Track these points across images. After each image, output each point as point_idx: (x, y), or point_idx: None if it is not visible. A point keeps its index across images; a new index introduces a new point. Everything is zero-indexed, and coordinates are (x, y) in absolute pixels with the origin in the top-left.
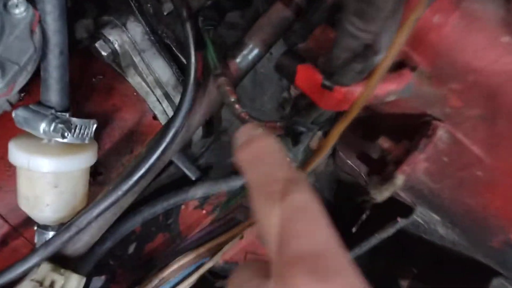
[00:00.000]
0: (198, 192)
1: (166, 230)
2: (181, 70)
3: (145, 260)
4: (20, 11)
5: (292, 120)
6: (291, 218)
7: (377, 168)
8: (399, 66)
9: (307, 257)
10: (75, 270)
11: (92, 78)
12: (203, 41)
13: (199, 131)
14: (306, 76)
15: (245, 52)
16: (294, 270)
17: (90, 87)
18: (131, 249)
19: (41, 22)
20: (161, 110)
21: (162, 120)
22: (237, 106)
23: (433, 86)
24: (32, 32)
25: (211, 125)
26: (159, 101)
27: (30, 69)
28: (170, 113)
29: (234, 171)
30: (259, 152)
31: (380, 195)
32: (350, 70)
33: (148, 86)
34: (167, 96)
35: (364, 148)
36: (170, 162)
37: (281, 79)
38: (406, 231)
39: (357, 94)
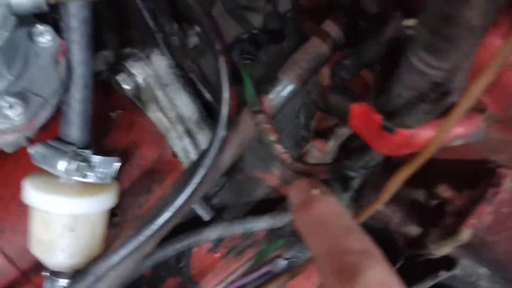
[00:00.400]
0: (212, 234)
1: (177, 274)
2: (204, 106)
3: None
4: (45, 40)
5: (342, 164)
6: None
7: (432, 218)
8: None
9: None
10: None
11: (111, 112)
12: (238, 76)
13: None
14: (361, 116)
15: (279, 88)
16: None
17: (108, 121)
18: None
19: (66, 52)
20: (181, 147)
21: (182, 158)
22: (278, 146)
23: (502, 131)
24: (57, 62)
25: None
26: (179, 138)
27: (54, 103)
28: (191, 150)
29: (249, 212)
30: (322, 217)
31: (440, 250)
32: (416, 111)
33: (170, 122)
34: (188, 132)
35: (411, 195)
36: None
37: (298, 117)
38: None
39: (420, 138)
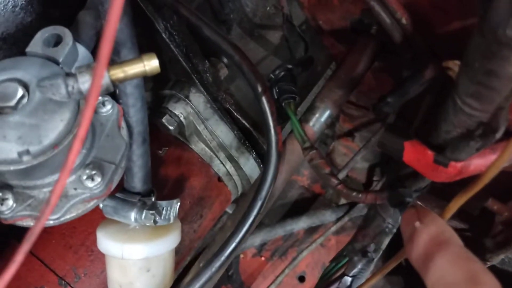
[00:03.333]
0: (256, 239)
1: (229, 282)
2: (241, 131)
3: None
4: (107, 109)
5: (398, 191)
6: None
7: (482, 228)
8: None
9: None
10: None
11: (158, 150)
12: (280, 112)
13: None
14: (415, 153)
15: (317, 115)
16: None
17: (157, 159)
18: None
19: (124, 115)
20: (225, 171)
21: (226, 180)
22: (333, 179)
23: None
24: (119, 127)
25: None
26: (222, 164)
27: (124, 164)
28: (234, 173)
29: (287, 213)
30: (426, 248)
31: (497, 259)
32: (467, 147)
33: (212, 151)
34: (230, 158)
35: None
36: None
37: None
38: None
39: (472, 167)
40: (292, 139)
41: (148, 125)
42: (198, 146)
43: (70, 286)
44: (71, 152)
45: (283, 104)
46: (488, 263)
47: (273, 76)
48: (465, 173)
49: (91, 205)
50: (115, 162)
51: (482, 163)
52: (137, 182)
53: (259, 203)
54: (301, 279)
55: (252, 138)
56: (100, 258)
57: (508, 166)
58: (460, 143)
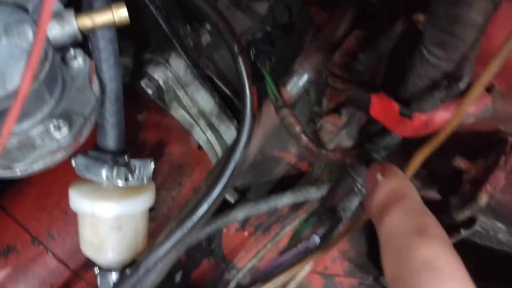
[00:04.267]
0: (239, 214)
1: (211, 255)
2: (222, 99)
3: (193, 287)
4: (78, 63)
5: (365, 148)
6: (416, 277)
7: (451, 187)
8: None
9: None
10: None
11: (137, 114)
12: (256, 74)
13: None
14: (381, 106)
15: (295, 79)
16: None
17: (136, 124)
18: (178, 277)
19: (97, 70)
20: (205, 139)
21: (207, 149)
22: (304, 136)
23: (509, 105)
24: (90, 82)
25: None
26: (203, 132)
27: (93, 119)
28: (214, 141)
29: (272, 190)
30: (383, 200)
31: (462, 215)
32: (431, 98)
33: (192, 118)
34: (210, 125)
35: (429, 166)
36: None
37: (308, 93)
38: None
39: (437, 119)
40: (268, 102)
41: (121, 82)
42: (178, 113)
43: (44, 245)
44: (23, 82)
45: (258, 65)
46: (455, 220)
47: (250, 38)
48: (431, 126)
49: (58, 157)
50: (84, 115)
51: (447, 116)
52: (110, 141)
53: (232, 165)
54: None
55: (233, 107)
56: (74, 220)
57: (476, 123)
58: (425, 94)
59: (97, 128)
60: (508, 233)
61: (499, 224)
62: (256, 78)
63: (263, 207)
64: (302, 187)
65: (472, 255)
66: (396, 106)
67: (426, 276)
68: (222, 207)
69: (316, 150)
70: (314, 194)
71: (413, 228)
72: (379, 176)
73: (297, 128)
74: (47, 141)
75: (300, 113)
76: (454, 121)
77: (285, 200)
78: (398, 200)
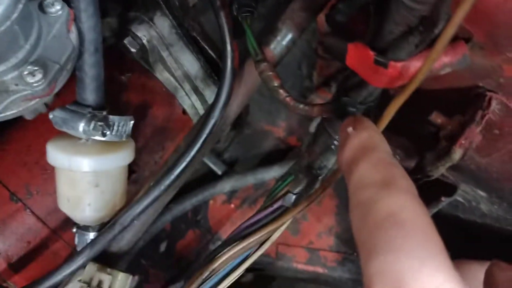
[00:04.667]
0: (226, 186)
1: (196, 226)
2: (208, 63)
3: (177, 258)
4: (55, 9)
5: (341, 101)
6: (379, 228)
7: (428, 145)
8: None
9: (389, 277)
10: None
11: (121, 75)
12: (238, 29)
13: None
14: (357, 54)
15: (279, 38)
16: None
17: (119, 85)
18: (163, 247)
19: (75, 20)
20: (190, 104)
21: (192, 114)
22: (281, 91)
23: (487, 57)
24: (68, 30)
25: (239, 117)
26: (188, 96)
27: (70, 68)
28: (199, 106)
29: (259, 164)
30: (352, 153)
31: (437, 171)
32: (406, 44)
33: (177, 81)
34: (195, 89)
35: (409, 125)
36: None
37: (300, 68)
38: (442, 213)
39: (413, 69)
40: (251, 60)
41: (101, 34)
42: (162, 75)
43: (22, 202)
44: None
45: (240, 19)
46: (429, 177)
47: None
48: (406, 76)
49: (32, 104)
50: (59, 62)
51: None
52: (89, 94)
53: (211, 122)
54: None
55: (219, 71)
56: (53, 178)
57: (452, 79)
58: (400, 41)
59: (76, 82)
60: (490, 202)
61: (481, 192)
62: (238, 33)
63: (250, 179)
64: (290, 161)
65: (457, 232)
66: (371, 54)
67: (390, 228)
68: (209, 179)
69: (293, 104)
70: None
71: (380, 180)
72: (350, 129)
73: (275, 82)
74: (21, 87)
75: (291, 88)
76: (428, 65)
77: (272, 173)
78: (366, 153)
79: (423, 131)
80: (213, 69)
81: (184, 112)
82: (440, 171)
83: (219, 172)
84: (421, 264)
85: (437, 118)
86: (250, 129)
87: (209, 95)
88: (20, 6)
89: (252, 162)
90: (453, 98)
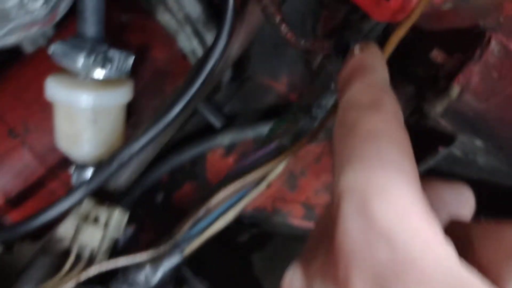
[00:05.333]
0: (224, 139)
1: (193, 178)
2: (211, 6)
3: (173, 209)
4: None
5: (343, 36)
6: (357, 144)
7: (427, 85)
8: None
9: (357, 191)
10: None
11: (121, 15)
12: None
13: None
14: None
15: None
16: (341, 205)
17: (119, 25)
18: (159, 198)
19: None
20: (191, 49)
21: (192, 59)
22: (283, 25)
23: None
24: None
25: (242, 67)
26: (188, 39)
27: None
28: (200, 51)
29: (260, 119)
30: (350, 72)
31: (434, 110)
32: None
33: (178, 23)
34: (196, 33)
35: (409, 66)
36: (195, 111)
37: (304, 21)
38: (439, 169)
39: (414, 1)
40: (253, 1)
41: None
42: (163, 17)
43: (20, 138)
44: None
45: None
46: (428, 116)
47: None
48: (408, 8)
49: (32, 31)
50: None
51: None
52: (89, 27)
53: (212, 61)
54: None
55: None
56: (52, 117)
57: (453, 18)
58: None
59: (76, 14)
60: (486, 152)
61: (478, 143)
62: None
63: (249, 133)
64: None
65: None
66: None
67: (366, 145)
68: (208, 131)
69: (294, 40)
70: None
71: (369, 102)
72: (357, 51)
73: (277, 18)
74: (22, 13)
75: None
76: None
77: None
78: (363, 73)
79: (424, 74)
80: (216, 13)
81: (184, 57)
82: (438, 110)
83: (218, 126)
84: (390, 183)
85: (437, 56)
86: (251, 83)
87: (210, 40)
88: None
89: (252, 116)
90: (453, 39)
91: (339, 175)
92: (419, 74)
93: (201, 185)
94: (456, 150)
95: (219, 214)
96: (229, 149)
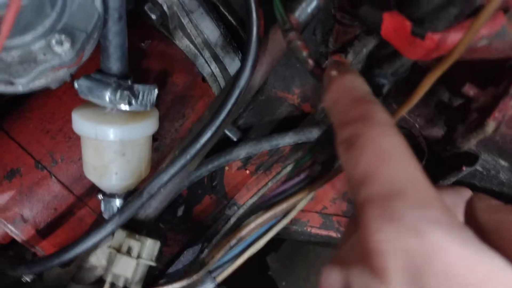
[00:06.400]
0: (241, 152)
1: (212, 192)
2: (228, 30)
3: (194, 222)
4: None
5: (373, 72)
6: (364, 161)
7: (457, 117)
8: None
9: (377, 198)
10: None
11: (141, 42)
12: None
13: None
14: (393, 25)
15: (304, 4)
16: (366, 213)
17: (140, 52)
18: (180, 212)
19: None
20: (210, 72)
21: (211, 82)
22: (310, 61)
23: None
24: None
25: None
26: (207, 63)
27: (96, 36)
28: (218, 74)
29: (274, 130)
30: (335, 95)
31: (468, 143)
32: (445, 15)
33: (196, 48)
34: (215, 57)
35: (435, 97)
36: None
37: (315, 34)
38: (457, 180)
39: (450, 41)
40: (275, 28)
41: (125, 1)
42: (182, 42)
43: (47, 169)
44: None
45: None
46: (459, 149)
47: None
48: (442, 48)
49: (60, 73)
50: (86, 30)
51: (460, 37)
52: (113, 63)
53: (237, 92)
54: None
55: (238, 38)
56: (77, 145)
57: (487, 50)
58: (439, 11)
59: (100, 51)
60: (510, 171)
61: (502, 162)
62: (266, 2)
63: (265, 146)
64: (304, 128)
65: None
66: (408, 24)
67: (375, 157)
68: (225, 145)
69: (322, 75)
70: (316, 134)
71: (361, 115)
72: (333, 73)
73: (304, 53)
74: (49, 56)
75: None
76: (466, 40)
77: (287, 139)
78: (348, 92)
79: (451, 102)
80: (233, 36)
81: (203, 79)
82: (471, 143)
83: (235, 139)
84: (406, 185)
85: (469, 90)
86: (265, 96)
87: (229, 63)
88: None
89: (266, 129)
90: (485, 69)
91: (359, 188)
92: (444, 102)
93: (220, 198)
94: (478, 166)
95: (251, 242)
96: (246, 161)
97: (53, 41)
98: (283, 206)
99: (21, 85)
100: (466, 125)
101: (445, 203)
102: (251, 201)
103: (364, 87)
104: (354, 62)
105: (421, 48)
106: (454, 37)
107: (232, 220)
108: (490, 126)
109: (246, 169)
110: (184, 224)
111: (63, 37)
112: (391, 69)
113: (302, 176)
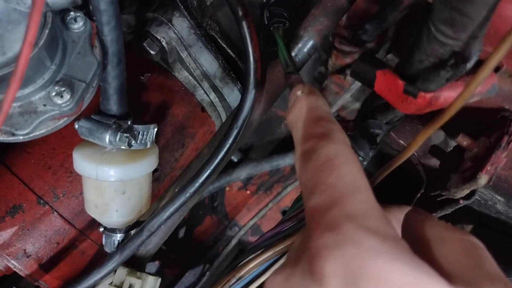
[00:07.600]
0: (242, 173)
1: (213, 212)
2: (227, 61)
3: (195, 243)
4: (79, 25)
5: (367, 123)
6: (318, 172)
7: (451, 163)
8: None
9: (320, 207)
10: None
11: (140, 76)
12: (268, 38)
13: None
14: (386, 82)
15: (300, 45)
16: (311, 220)
17: (139, 85)
18: (181, 233)
19: (98, 33)
20: (209, 102)
21: (210, 111)
22: None
23: None
24: (92, 45)
25: None
26: (206, 94)
27: (96, 84)
28: (218, 104)
29: (274, 150)
30: (299, 112)
31: (461, 193)
32: (437, 77)
33: (196, 80)
34: (214, 88)
35: (430, 140)
36: None
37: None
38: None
39: (442, 98)
40: (272, 68)
41: (123, 45)
42: (181, 74)
43: (49, 205)
44: (23, 49)
45: (271, 29)
46: (453, 197)
47: (265, 0)
48: (435, 105)
49: (61, 123)
50: (86, 80)
51: (452, 95)
52: (113, 105)
53: (235, 132)
54: (285, 213)
55: (237, 69)
56: (78, 180)
57: (479, 101)
58: (431, 73)
59: (100, 92)
60: (507, 205)
61: (498, 197)
62: (269, 42)
63: (266, 166)
64: None
65: (468, 219)
66: (401, 83)
67: (327, 171)
68: (226, 166)
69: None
70: None
71: (320, 133)
72: (299, 93)
73: None
74: (49, 107)
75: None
76: (458, 103)
77: (287, 160)
78: (310, 111)
79: (445, 146)
80: (231, 67)
81: (203, 110)
82: (465, 193)
83: (235, 160)
84: (349, 198)
85: (463, 140)
86: (265, 116)
87: (228, 93)
88: (46, 31)
89: (267, 148)
90: (478, 120)
91: (309, 198)
92: (444, 148)
93: (221, 218)
94: (476, 196)
95: (250, 281)
96: (247, 181)
97: (53, 93)
98: (282, 246)
99: (22, 136)
100: (459, 174)
101: (383, 214)
102: (252, 222)
103: (325, 108)
104: (352, 85)
105: (414, 105)
106: (446, 95)
107: (234, 241)
108: (483, 179)
109: (247, 190)
110: (185, 245)
111: (62, 89)
112: (385, 119)
113: (300, 216)
